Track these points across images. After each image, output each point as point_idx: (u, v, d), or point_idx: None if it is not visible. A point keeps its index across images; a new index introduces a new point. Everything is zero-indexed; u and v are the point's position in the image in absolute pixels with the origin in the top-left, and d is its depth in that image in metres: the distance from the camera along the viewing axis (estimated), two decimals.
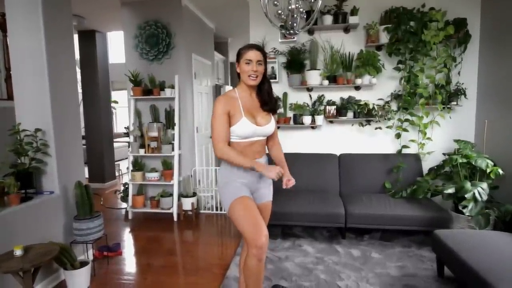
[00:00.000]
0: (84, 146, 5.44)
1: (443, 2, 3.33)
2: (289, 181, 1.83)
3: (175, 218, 3.84)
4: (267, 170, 1.72)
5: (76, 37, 5.24)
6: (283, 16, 2.32)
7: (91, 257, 2.73)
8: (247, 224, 1.69)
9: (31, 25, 2.38)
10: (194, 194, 3.95)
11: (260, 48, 1.84)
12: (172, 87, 3.96)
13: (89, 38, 5.24)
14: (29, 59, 2.41)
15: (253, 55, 1.79)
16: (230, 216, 1.78)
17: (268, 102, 1.89)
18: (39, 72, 2.41)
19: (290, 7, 2.19)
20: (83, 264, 2.36)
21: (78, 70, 5.56)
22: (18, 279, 1.90)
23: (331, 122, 3.71)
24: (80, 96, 5.31)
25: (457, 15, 3.30)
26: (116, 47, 8.89)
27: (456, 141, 3.17)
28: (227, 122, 1.79)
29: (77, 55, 5.40)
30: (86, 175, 5.27)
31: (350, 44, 3.59)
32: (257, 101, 1.91)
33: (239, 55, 1.84)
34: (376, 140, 3.66)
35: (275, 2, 2.25)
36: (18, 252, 1.95)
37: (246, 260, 1.74)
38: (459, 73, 3.41)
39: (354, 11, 3.42)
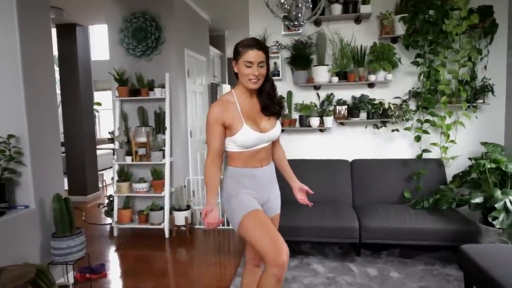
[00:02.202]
0: (64, 154, 5.45)
1: None
2: (304, 199, 1.97)
3: (167, 235, 3.83)
4: (207, 213, 1.71)
5: (54, 31, 5.27)
6: (286, 5, 2.34)
7: (71, 280, 2.72)
8: (266, 241, 1.67)
9: (4, 18, 2.40)
10: (188, 207, 3.94)
11: (262, 46, 1.77)
12: (163, 86, 3.98)
13: (68, 33, 5.27)
14: (1, 57, 2.42)
15: (254, 56, 1.71)
16: (242, 233, 1.75)
17: (269, 106, 1.85)
18: (13, 71, 2.43)
19: None
20: None
21: (56, 68, 5.59)
22: None
23: (342, 124, 3.71)
24: (59, 98, 5.38)
25: (482, 2, 3.32)
26: (99, 42, 8.96)
27: (484, 144, 3.17)
28: (220, 133, 1.77)
29: (55, 52, 5.44)
30: (66, 187, 5.28)
31: (362, 37, 3.61)
32: (259, 103, 1.87)
33: (237, 53, 1.76)
34: (393, 144, 3.66)
35: None
36: None
37: (262, 280, 1.71)
38: (485, 67, 3.42)
39: (366, 0, 3.43)
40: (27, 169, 2.48)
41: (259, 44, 1.76)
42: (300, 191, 2.03)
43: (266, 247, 1.66)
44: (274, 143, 2.01)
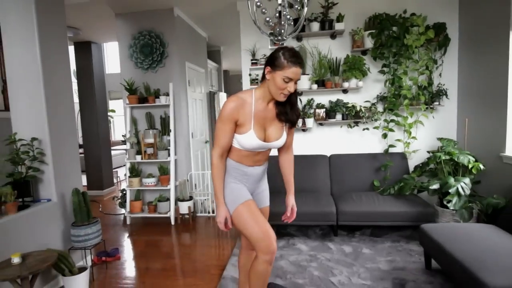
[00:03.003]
0: (82, 155, 5.38)
1: (423, 8, 3.38)
2: (290, 218, 1.80)
3: (173, 222, 3.80)
4: (217, 214, 1.63)
5: (72, 48, 5.20)
6: (271, 23, 2.33)
7: (89, 263, 2.69)
8: (257, 230, 1.58)
9: (26, 37, 2.36)
10: (191, 198, 3.91)
11: (303, 64, 1.54)
12: (167, 94, 3.95)
13: (85, 49, 5.20)
14: (25, 70, 2.38)
15: (296, 74, 1.48)
16: (235, 221, 1.64)
17: (287, 113, 1.61)
18: (35, 83, 2.38)
19: (277, 14, 2.20)
20: (82, 270, 2.32)
21: (75, 81, 5.51)
22: (16, 286, 1.85)
23: (321, 124, 3.72)
24: (78, 106, 5.30)
25: (437, 20, 3.35)
26: (113, 57, 8.85)
27: (440, 139, 3.20)
28: (231, 130, 1.57)
29: (73, 66, 5.35)
30: (85, 183, 5.22)
31: (337, 50, 3.62)
32: (273, 109, 1.63)
33: (278, 63, 1.48)
34: (364, 141, 3.68)
35: (263, 10, 2.26)
36: (15, 259, 1.90)
37: (254, 265, 1.65)
38: (440, 74, 3.45)
39: (339, 18, 3.44)
40: (49, 167, 2.44)
41: (302, 62, 1.52)
42: (287, 216, 1.84)
43: (258, 236, 1.59)
44: (285, 153, 1.82)
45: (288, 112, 1.62)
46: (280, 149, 1.81)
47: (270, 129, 1.63)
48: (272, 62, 1.52)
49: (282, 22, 2.28)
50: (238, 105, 1.55)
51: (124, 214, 4.09)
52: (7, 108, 2.97)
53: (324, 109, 3.60)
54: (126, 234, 3.56)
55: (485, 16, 2.97)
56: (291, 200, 1.85)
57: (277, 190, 2.55)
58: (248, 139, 1.58)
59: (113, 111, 8.83)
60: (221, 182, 1.64)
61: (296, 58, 1.49)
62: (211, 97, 5.44)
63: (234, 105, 1.54)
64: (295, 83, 1.53)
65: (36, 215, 2.28)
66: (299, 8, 2.28)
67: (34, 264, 1.91)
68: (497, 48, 2.80)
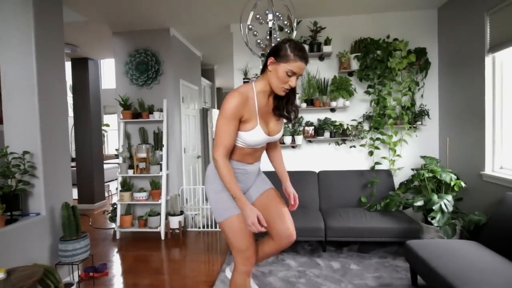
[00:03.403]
0: (74, 168, 5.27)
1: (405, 34, 3.51)
2: (295, 205, 1.69)
3: (163, 237, 3.71)
4: (246, 215, 1.44)
5: (69, 64, 5.19)
6: (262, 45, 2.38)
7: (76, 279, 2.58)
8: (242, 243, 1.56)
9: (24, 52, 2.35)
10: (182, 213, 3.85)
11: (308, 60, 1.44)
12: (161, 110, 3.94)
13: (81, 65, 5.19)
14: (20, 85, 2.36)
15: (300, 68, 1.40)
16: (223, 228, 1.59)
17: (284, 108, 1.54)
18: (30, 97, 2.36)
19: (268, 37, 2.25)
20: (68, 286, 2.23)
21: (70, 95, 5.47)
22: None
23: (310, 141, 3.75)
24: (72, 120, 5.24)
25: (418, 45, 3.48)
26: (109, 73, 8.86)
27: (423, 157, 3.25)
28: (235, 128, 1.45)
29: (70, 81, 5.33)
30: (76, 197, 5.09)
31: (325, 71, 3.70)
32: (272, 104, 1.56)
33: (283, 55, 1.39)
34: (351, 158, 3.72)
35: (255, 33, 2.31)
36: (0, 275, 1.82)
37: (234, 279, 1.61)
38: (422, 95, 3.55)
39: (327, 41, 3.54)
40: (39, 181, 2.38)
41: (307, 57, 1.44)
42: (292, 196, 1.73)
43: (241, 249, 1.57)
44: (275, 147, 1.80)
45: (285, 107, 1.54)
46: (269, 144, 1.76)
47: (271, 123, 1.57)
48: (276, 53, 1.41)
49: (273, 45, 2.33)
50: (243, 101, 1.43)
51: (114, 228, 3.98)
52: (1, 121, 2.92)
53: (313, 127, 3.63)
54: (115, 249, 3.46)
55: (462, 42, 3.09)
56: (290, 188, 1.74)
57: None
58: (255, 136, 1.49)
59: (107, 125, 8.74)
60: (236, 183, 1.48)
61: (303, 52, 1.41)
62: (204, 114, 5.45)
63: (238, 101, 1.42)
64: (297, 78, 1.44)
65: (24, 229, 2.21)
66: (289, 31, 2.35)
67: (19, 280, 1.83)
68: (474, 71, 2.90)
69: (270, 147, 1.82)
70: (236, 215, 1.57)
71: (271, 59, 1.44)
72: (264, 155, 1.78)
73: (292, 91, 1.53)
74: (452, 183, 2.85)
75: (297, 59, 1.38)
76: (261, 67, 3.64)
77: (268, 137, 1.55)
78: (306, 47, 3.56)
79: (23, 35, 2.34)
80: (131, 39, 4.03)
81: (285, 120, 1.64)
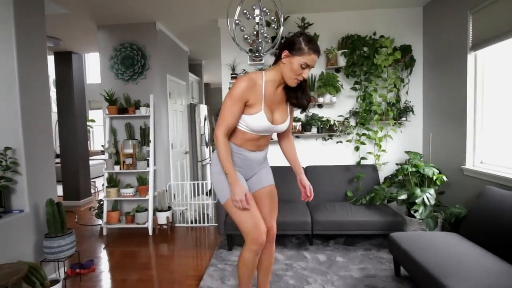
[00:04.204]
0: (59, 165, 5.17)
1: (391, 31, 3.56)
2: (310, 197, 1.79)
3: (150, 233, 3.70)
4: (233, 193, 1.55)
5: (52, 58, 5.05)
6: (249, 40, 2.38)
7: (63, 275, 2.56)
8: (249, 223, 1.62)
9: (4, 46, 2.28)
10: (169, 208, 3.83)
11: (320, 53, 1.52)
12: (147, 106, 3.90)
13: (65, 59, 5.06)
14: (0, 78, 2.29)
15: (314, 61, 1.48)
16: (227, 209, 1.66)
17: (298, 97, 1.60)
18: (10, 92, 2.30)
19: (255, 32, 2.25)
20: (54, 282, 2.20)
21: (54, 90, 5.34)
22: None
23: (297, 137, 3.78)
24: (56, 116, 5.12)
25: (403, 42, 3.54)
26: (93, 67, 8.66)
27: (407, 152, 3.33)
28: (240, 111, 1.53)
29: (53, 76, 5.19)
30: (61, 193, 4.99)
31: None
32: (281, 94, 1.61)
33: (298, 48, 1.45)
34: (338, 153, 3.77)
35: (242, 28, 2.31)
36: None
37: (243, 254, 1.69)
38: (407, 92, 3.62)
39: (315, 37, 3.56)
40: (22, 177, 2.33)
41: (320, 51, 1.51)
42: (307, 195, 1.85)
43: (249, 227, 1.63)
44: (287, 137, 1.84)
45: (299, 96, 1.60)
46: (281, 135, 1.83)
47: (276, 112, 1.62)
48: (291, 46, 1.48)
49: (260, 40, 2.33)
50: (250, 85, 1.51)
51: (100, 225, 3.94)
52: None
53: (300, 123, 3.67)
54: (102, 246, 3.43)
55: (446, 39, 3.17)
56: (305, 180, 1.83)
57: None
58: (257, 121, 1.54)
59: (92, 121, 8.59)
60: (230, 160, 1.57)
61: (316, 46, 1.49)
62: (192, 109, 5.42)
63: (246, 85, 1.50)
64: (309, 70, 1.52)
65: (7, 226, 2.16)
66: (276, 27, 2.35)
67: (2, 277, 1.80)
68: (457, 68, 2.98)
69: (282, 139, 1.86)
70: None
71: (285, 53, 1.50)
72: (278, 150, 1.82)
73: (303, 81, 1.59)
74: (435, 177, 2.94)
75: (311, 52, 1.46)
76: (249, 62, 3.66)
77: (271, 125, 1.59)
78: None
79: (2, 27, 2.27)
80: (116, 32, 3.95)
81: (297, 110, 1.71)
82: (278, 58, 1.55)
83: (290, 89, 1.60)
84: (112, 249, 3.32)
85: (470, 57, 2.82)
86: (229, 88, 1.56)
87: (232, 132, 1.63)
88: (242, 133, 1.61)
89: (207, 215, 4.07)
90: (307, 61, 1.46)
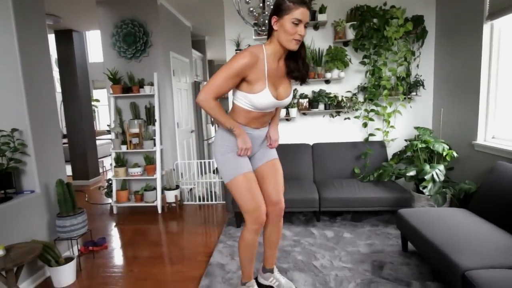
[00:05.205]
0: (66, 145, 5.21)
1: (402, 1, 3.39)
2: (275, 143, 1.79)
3: (159, 211, 3.76)
4: (241, 141, 1.59)
5: (52, 36, 4.95)
6: (255, 13, 2.28)
7: (76, 253, 2.63)
8: (250, 202, 1.64)
9: (3, 26, 2.21)
10: (177, 187, 3.87)
11: (309, 5, 1.45)
12: (152, 84, 3.84)
13: (66, 38, 4.96)
14: (2, 60, 2.25)
15: (304, 14, 1.41)
16: (231, 188, 1.67)
17: (300, 69, 1.56)
18: (13, 73, 2.26)
19: (261, 4, 2.15)
20: (68, 260, 2.27)
21: (57, 70, 5.28)
22: (1, 278, 1.79)
23: (304, 114, 3.73)
24: (60, 96, 5.09)
25: (415, 13, 3.37)
26: (95, 46, 8.51)
27: (416, 128, 3.27)
28: (234, 83, 1.49)
29: (54, 55, 5.10)
30: (70, 173, 5.07)
31: (320, 41, 3.60)
32: (283, 67, 1.57)
33: (283, 9, 1.42)
34: (345, 130, 3.72)
35: (247, 0, 2.20)
36: None
37: (243, 235, 1.72)
38: (418, 66, 3.50)
39: (322, 9, 3.41)
40: (31, 158, 2.34)
41: (307, 2, 1.44)
42: (273, 142, 1.82)
43: (250, 207, 1.65)
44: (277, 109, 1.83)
45: (300, 68, 1.56)
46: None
47: (280, 87, 1.58)
48: (277, 10, 1.45)
49: (266, 12, 2.23)
50: (252, 62, 1.45)
51: (110, 203, 4.01)
52: None
53: (307, 99, 3.59)
54: (113, 224, 3.51)
55: (460, 9, 3.01)
56: (274, 134, 1.81)
57: None
58: (262, 98, 1.51)
59: (97, 100, 8.55)
60: (228, 116, 1.58)
61: None
62: (196, 87, 5.34)
63: (247, 61, 1.44)
64: (305, 27, 1.45)
65: (20, 207, 2.20)
66: None
67: (18, 256, 1.85)
68: (471, 40, 2.85)
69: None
70: (243, 175, 1.63)
71: (274, 18, 1.46)
72: None
73: (303, 49, 1.55)
74: (444, 153, 2.89)
75: (297, 5, 1.41)
76: (254, 37, 3.54)
77: (276, 101, 1.56)
78: None
79: (0, 6, 2.19)
80: (117, 9, 3.82)
81: (295, 83, 1.68)
82: (270, 30, 1.50)
83: (291, 60, 1.56)
84: (123, 227, 3.40)
85: (486, 27, 2.68)
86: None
87: (235, 112, 1.62)
88: (246, 112, 1.59)
89: (215, 193, 4.11)
90: (297, 16, 1.41)
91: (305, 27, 1.46)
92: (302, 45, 1.54)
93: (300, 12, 1.41)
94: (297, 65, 1.56)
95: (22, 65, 2.27)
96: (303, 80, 1.62)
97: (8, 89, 2.27)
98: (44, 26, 2.54)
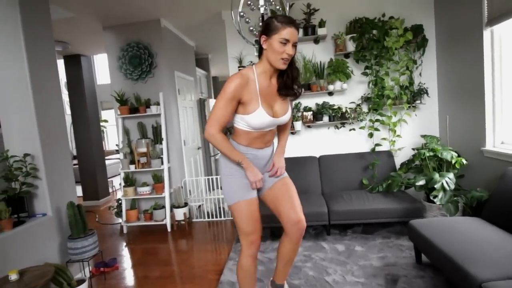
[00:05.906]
0: (76, 166, 5.30)
1: (401, 11, 3.44)
2: (280, 170, 1.75)
3: (169, 229, 3.77)
4: (250, 175, 1.59)
5: (61, 61, 5.13)
6: (255, 32, 2.34)
7: (88, 275, 2.64)
8: (248, 226, 1.66)
9: (14, 55, 2.32)
10: (186, 204, 3.89)
11: (297, 25, 1.46)
12: (158, 104, 3.92)
13: (74, 62, 5.13)
14: (14, 87, 2.34)
15: (292, 34, 1.43)
16: (232, 211, 1.69)
17: (290, 86, 1.56)
18: (25, 99, 2.34)
19: (260, 23, 2.20)
20: (80, 282, 2.28)
21: (66, 93, 5.43)
22: None
23: (309, 126, 3.74)
24: (70, 118, 5.22)
25: (414, 22, 3.41)
26: (103, 68, 8.76)
27: (423, 136, 3.25)
28: (232, 109, 1.51)
29: (64, 79, 5.27)
30: (80, 194, 5.12)
31: (321, 54, 3.65)
32: (276, 85, 1.58)
33: (271, 29, 1.44)
34: (351, 141, 3.71)
35: (247, 20, 2.26)
36: (13, 276, 1.86)
37: (241, 263, 1.73)
38: (420, 74, 3.51)
39: (321, 24, 3.48)
40: (42, 182, 2.39)
41: (295, 23, 1.46)
42: (273, 172, 1.76)
43: (248, 231, 1.68)
44: (284, 129, 1.83)
45: (290, 86, 1.57)
46: (279, 127, 1.80)
47: (276, 105, 1.58)
48: (266, 29, 1.47)
49: None
50: (243, 82, 1.47)
51: (120, 223, 4.03)
52: None
53: (311, 112, 3.62)
54: (124, 243, 3.52)
55: (459, 17, 3.03)
56: (279, 162, 1.77)
57: None
58: (257, 118, 1.52)
59: (105, 121, 8.72)
60: (235, 149, 1.58)
61: (289, 19, 1.45)
62: (202, 104, 5.42)
63: (238, 83, 1.46)
64: (294, 46, 1.46)
65: (32, 230, 2.24)
66: None
67: (32, 280, 1.87)
68: (472, 46, 2.86)
69: (279, 130, 1.85)
70: (245, 201, 1.65)
71: (263, 38, 1.49)
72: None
73: (294, 68, 1.57)
74: (453, 161, 2.86)
75: (285, 26, 1.43)
76: (255, 54, 3.60)
77: (273, 119, 1.57)
78: (301, 30, 3.51)
79: (11, 36, 2.30)
80: (122, 32, 3.96)
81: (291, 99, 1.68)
82: (261, 49, 1.53)
83: (280, 76, 1.57)
84: (133, 246, 3.40)
85: (486, 33, 2.69)
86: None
87: (237, 134, 1.63)
88: (246, 133, 1.59)
89: (223, 209, 4.11)
90: (284, 35, 1.42)
91: (294, 46, 1.47)
92: (292, 64, 1.55)
93: (288, 32, 1.42)
94: (286, 83, 1.57)
95: (33, 91, 2.36)
96: (293, 95, 1.63)
97: (20, 115, 2.36)
98: (53, 52, 2.64)
